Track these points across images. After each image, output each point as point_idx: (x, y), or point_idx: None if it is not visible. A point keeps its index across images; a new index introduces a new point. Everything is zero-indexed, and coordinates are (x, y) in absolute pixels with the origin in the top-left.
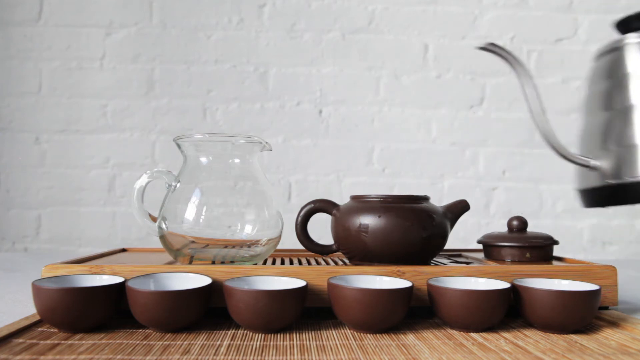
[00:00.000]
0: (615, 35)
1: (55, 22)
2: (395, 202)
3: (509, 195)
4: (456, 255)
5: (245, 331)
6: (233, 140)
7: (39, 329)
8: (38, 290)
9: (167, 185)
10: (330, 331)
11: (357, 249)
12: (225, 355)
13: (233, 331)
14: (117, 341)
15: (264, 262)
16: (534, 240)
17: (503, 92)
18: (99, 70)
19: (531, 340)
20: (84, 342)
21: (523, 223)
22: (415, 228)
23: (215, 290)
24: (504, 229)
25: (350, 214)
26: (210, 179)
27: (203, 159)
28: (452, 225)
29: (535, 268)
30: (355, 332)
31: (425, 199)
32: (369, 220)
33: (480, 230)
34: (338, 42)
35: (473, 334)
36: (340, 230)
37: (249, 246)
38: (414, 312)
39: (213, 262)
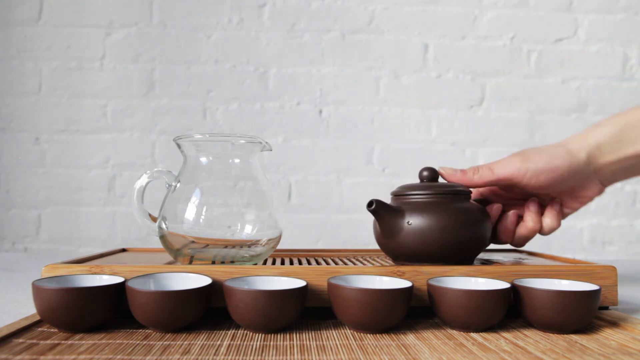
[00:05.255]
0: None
1: (55, 22)
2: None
3: None
4: None
5: (245, 331)
6: (233, 140)
7: (39, 329)
8: (38, 290)
9: (167, 185)
10: (330, 331)
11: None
12: (225, 355)
13: (233, 331)
14: (117, 341)
15: (264, 262)
16: (447, 188)
17: (503, 92)
18: (99, 70)
19: (531, 340)
20: (84, 342)
21: (433, 172)
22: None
23: (215, 290)
24: None
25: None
26: (210, 179)
27: (203, 159)
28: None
29: (536, 268)
30: (355, 332)
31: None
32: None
33: None
34: (338, 42)
35: (473, 334)
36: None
37: (249, 246)
38: (414, 312)
39: (213, 262)
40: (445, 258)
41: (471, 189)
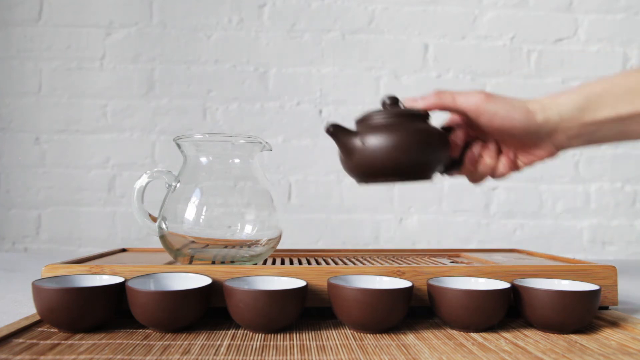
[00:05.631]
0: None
1: (55, 22)
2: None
3: (509, 195)
4: (456, 255)
5: (245, 331)
6: (233, 140)
7: (39, 329)
8: (38, 290)
9: (167, 185)
10: (330, 331)
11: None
12: (225, 355)
13: (233, 331)
14: (117, 341)
15: (264, 262)
16: (400, 111)
17: (503, 92)
18: (99, 70)
19: (531, 340)
20: (84, 342)
21: (394, 99)
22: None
23: (215, 290)
24: (504, 228)
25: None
26: (210, 179)
27: (203, 159)
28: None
29: (536, 268)
30: (355, 332)
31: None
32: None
33: (480, 231)
34: (338, 42)
35: (473, 334)
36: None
37: (249, 246)
38: (414, 312)
39: (213, 262)
40: (400, 174)
41: (429, 113)
